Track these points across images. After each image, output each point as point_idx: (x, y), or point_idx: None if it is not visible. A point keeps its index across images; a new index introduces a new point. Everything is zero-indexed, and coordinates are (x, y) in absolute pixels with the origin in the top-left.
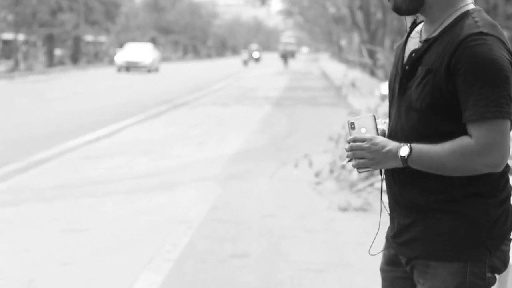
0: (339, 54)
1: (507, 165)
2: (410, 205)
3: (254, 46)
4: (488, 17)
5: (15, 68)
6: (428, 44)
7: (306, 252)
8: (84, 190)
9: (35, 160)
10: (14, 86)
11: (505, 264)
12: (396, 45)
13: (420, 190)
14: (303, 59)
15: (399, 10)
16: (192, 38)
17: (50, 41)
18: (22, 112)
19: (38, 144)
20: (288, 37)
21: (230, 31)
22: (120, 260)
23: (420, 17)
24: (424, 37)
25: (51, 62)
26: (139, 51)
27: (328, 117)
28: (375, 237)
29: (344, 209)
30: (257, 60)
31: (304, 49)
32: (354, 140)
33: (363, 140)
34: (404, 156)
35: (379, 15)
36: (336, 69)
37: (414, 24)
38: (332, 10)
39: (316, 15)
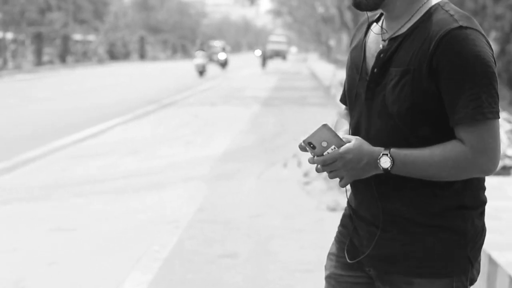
0: (328, 54)
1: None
2: (391, 219)
3: (217, 43)
4: (459, 9)
5: (3, 66)
6: (397, 43)
7: (295, 252)
8: (72, 189)
9: (23, 159)
10: (2, 85)
11: (478, 274)
12: (351, 47)
13: (404, 203)
14: (292, 59)
15: (359, 5)
16: (181, 37)
17: (39, 40)
18: (9, 111)
19: (25, 143)
20: (278, 36)
21: (219, 30)
22: (109, 260)
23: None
24: (388, 35)
25: (40, 60)
26: None
27: (317, 117)
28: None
29: (333, 209)
30: (222, 64)
31: (293, 49)
32: (324, 162)
33: (334, 160)
34: (387, 168)
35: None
36: (325, 69)
37: (368, 23)
38: (321, 10)
39: (305, 15)
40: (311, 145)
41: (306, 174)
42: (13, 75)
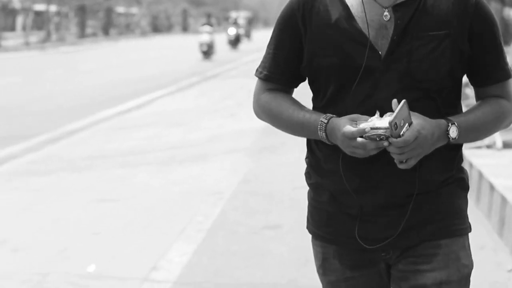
0: None
1: None
2: (424, 187)
3: (234, 14)
4: None
5: (47, 39)
6: (413, 8)
7: None
8: (116, 160)
9: (67, 130)
10: (46, 57)
11: None
12: (321, 23)
13: (438, 167)
14: None
15: None
16: (224, 10)
17: (82, 12)
18: (54, 83)
19: (70, 115)
20: None
21: (261, 3)
22: (152, 230)
23: None
24: (388, 2)
25: (83, 33)
26: None
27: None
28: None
29: None
30: (232, 42)
31: None
32: (406, 143)
33: (414, 138)
34: (455, 138)
35: None
36: None
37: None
38: None
39: None
40: (395, 125)
41: None
42: (56, 47)
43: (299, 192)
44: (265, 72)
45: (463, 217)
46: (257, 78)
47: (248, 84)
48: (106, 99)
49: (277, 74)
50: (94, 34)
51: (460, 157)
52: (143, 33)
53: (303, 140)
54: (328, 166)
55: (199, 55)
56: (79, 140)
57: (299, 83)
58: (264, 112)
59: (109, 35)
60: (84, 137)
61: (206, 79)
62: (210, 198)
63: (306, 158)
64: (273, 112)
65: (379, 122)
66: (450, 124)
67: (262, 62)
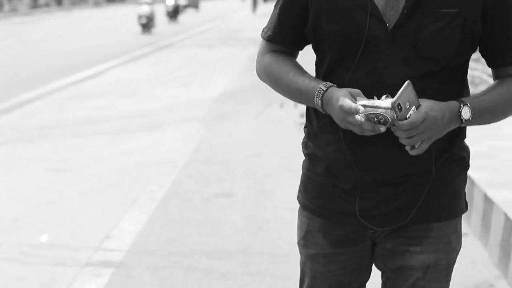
0: None
1: None
2: (408, 167)
3: None
4: None
5: None
6: None
7: (291, 191)
8: (69, 130)
9: (20, 100)
10: None
11: None
12: None
13: (435, 145)
14: None
15: None
16: None
17: None
18: (6, 53)
19: (23, 85)
20: None
21: None
22: (106, 200)
23: None
24: None
25: (36, 3)
26: None
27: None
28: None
29: None
30: (170, 14)
31: None
32: (413, 125)
33: (422, 121)
34: (468, 119)
35: None
36: None
37: None
38: None
39: None
40: (399, 107)
41: (302, 115)
42: (9, 18)
43: (252, 160)
44: (269, 33)
45: (459, 198)
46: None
47: (201, 53)
48: (59, 69)
49: (281, 36)
50: (47, 5)
51: (463, 134)
52: (97, 3)
53: (256, 109)
54: (327, 137)
55: (138, 29)
56: (33, 110)
57: (304, 46)
58: (265, 74)
59: (62, 5)
60: (38, 107)
61: (160, 49)
62: (163, 167)
63: (304, 128)
64: (273, 74)
65: (380, 102)
66: (462, 105)
67: (268, 22)
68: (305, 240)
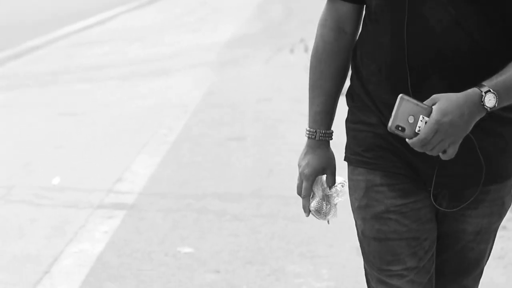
0: None
1: None
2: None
3: None
4: None
5: None
6: None
7: (302, 135)
8: (78, 76)
9: (29, 46)
10: None
11: None
12: None
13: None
14: None
15: None
16: None
17: None
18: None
19: (30, 31)
20: None
21: None
22: (116, 143)
23: None
24: None
25: None
26: None
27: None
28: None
29: (341, 93)
30: None
31: None
32: (425, 141)
33: (435, 131)
34: (494, 106)
35: None
36: None
37: None
38: None
39: None
40: (400, 128)
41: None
42: None
43: (262, 104)
44: None
45: None
46: None
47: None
48: (66, 15)
49: None
50: None
51: None
52: None
53: (266, 54)
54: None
55: None
56: (41, 56)
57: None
58: (310, 62)
59: None
60: (46, 53)
61: None
62: (174, 111)
63: (350, 79)
64: (310, 76)
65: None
66: (484, 93)
67: None
68: (368, 198)
